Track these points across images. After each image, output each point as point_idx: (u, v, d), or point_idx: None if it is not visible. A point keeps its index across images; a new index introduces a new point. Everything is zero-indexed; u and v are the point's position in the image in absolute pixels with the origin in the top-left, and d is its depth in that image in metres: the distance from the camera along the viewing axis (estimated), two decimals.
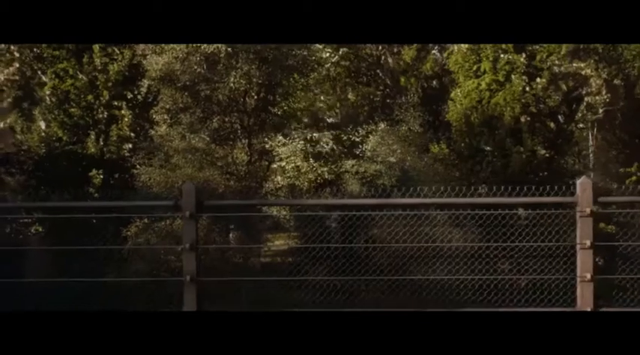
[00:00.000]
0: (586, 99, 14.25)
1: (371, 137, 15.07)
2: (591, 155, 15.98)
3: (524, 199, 7.63)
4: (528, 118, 12.53)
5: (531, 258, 8.06)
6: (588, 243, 7.20)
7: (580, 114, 13.98)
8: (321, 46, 15.89)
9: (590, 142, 15.46)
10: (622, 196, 8.64)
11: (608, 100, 14.77)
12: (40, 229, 13.44)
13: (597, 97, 14.76)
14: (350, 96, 16.22)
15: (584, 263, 7.32)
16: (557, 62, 12.90)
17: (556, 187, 7.78)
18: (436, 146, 13.50)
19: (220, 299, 9.72)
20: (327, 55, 16.18)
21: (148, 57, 15.11)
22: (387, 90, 16.25)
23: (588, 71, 14.79)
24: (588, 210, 7.17)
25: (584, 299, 7.38)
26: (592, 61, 14.79)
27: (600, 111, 14.80)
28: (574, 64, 14.37)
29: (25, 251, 12.98)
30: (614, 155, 15.49)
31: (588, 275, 7.27)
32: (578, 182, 7.30)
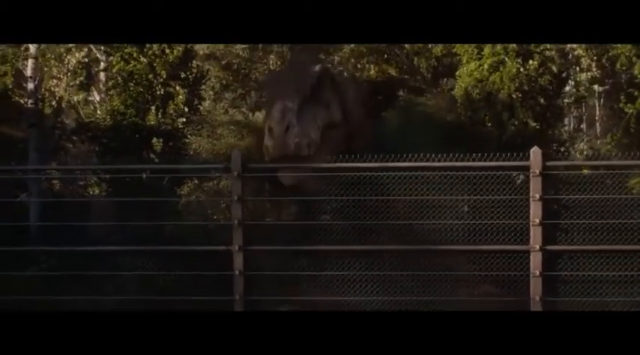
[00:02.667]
0: (575, 77, 16.28)
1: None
2: (583, 126, 18.09)
3: (486, 163, 9.80)
4: (520, 95, 14.63)
5: (493, 208, 10.14)
6: (537, 196, 9.48)
7: (568, 91, 16.05)
8: None
9: (578, 115, 17.52)
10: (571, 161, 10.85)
11: (596, 77, 16.70)
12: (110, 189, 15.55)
13: (585, 74, 16.73)
14: (371, 72, 18.15)
15: (534, 211, 9.58)
16: (548, 46, 14.91)
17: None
18: (446, 118, 15.63)
19: (263, 240, 11.15)
20: None
21: None
22: (405, 67, 18.16)
23: (580, 51, 16.78)
24: (537, 171, 9.42)
25: (535, 239, 9.65)
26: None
27: (587, 87, 16.77)
28: (567, 45, 16.36)
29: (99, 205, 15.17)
30: (599, 126, 17.59)
31: (537, 220, 9.54)
32: (531, 150, 9.53)
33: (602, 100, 17.63)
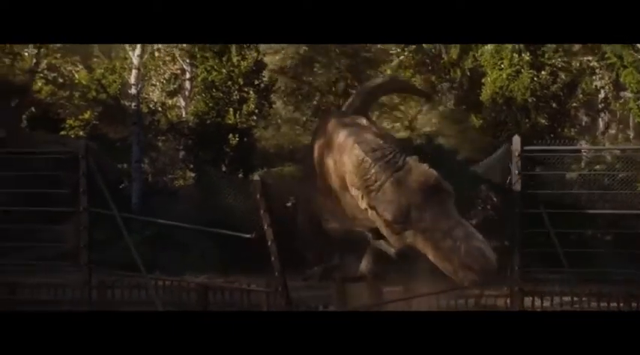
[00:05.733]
0: (582, 85, 19.10)
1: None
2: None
3: None
4: (534, 99, 17.59)
5: None
6: (517, 171, 12.35)
7: (577, 96, 18.92)
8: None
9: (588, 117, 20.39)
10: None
11: (604, 85, 19.51)
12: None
13: (598, 82, 19.53)
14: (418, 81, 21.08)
15: (515, 181, 12.34)
16: (558, 58, 17.84)
17: None
18: (474, 119, 18.65)
19: None
20: (399, 50, 21.24)
21: (267, 55, 20.09)
22: (447, 76, 21.06)
23: (595, 63, 19.59)
24: (517, 153, 12.32)
25: None
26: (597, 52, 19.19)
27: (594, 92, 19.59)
28: (580, 58, 19.20)
29: None
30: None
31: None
32: (513, 138, 12.42)
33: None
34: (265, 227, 10.49)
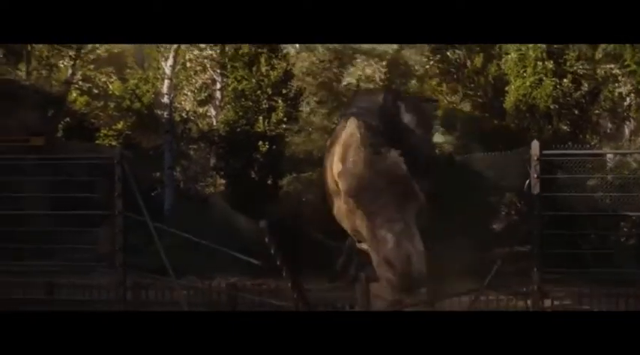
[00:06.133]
0: (605, 92, 19.36)
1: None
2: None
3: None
4: (556, 106, 17.90)
5: None
6: (535, 175, 12.70)
7: (599, 103, 19.17)
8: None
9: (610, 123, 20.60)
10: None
11: (627, 92, 19.76)
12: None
13: (621, 90, 19.78)
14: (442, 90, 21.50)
15: (534, 184, 12.72)
16: (580, 66, 18.15)
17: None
18: (497, 126, 19.00)
19: None
20: (425, 59, 21.69)
21: (295, 64, 20.60)
22: (472, 84, 21.43)
23: (618, 71, 19.84)
24: (535, 158, 12.67)
25: None
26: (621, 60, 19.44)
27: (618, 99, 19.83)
28: (603, 66, 19.46)
29: None
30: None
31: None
32: (532, 143, 12.76)
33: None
34: (278, 263, 10.78)
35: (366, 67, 22.15)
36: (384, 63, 22.53)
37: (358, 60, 21.32)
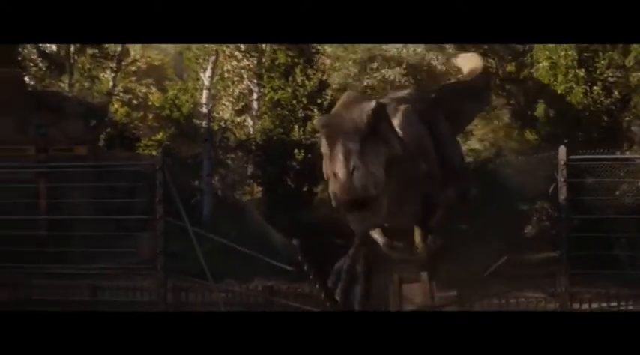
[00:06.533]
0: (636, 99, 19.50)
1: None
2: None
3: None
4: (587, 114, 18.17)
5: None
6: (562, 179, 12.98)
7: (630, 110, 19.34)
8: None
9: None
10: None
11: None
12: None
13: None
14: None
15: (560, 188, 12.98)
16: (610, 74, 18.39)
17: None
18: (529, 133, 19.29)
19: None
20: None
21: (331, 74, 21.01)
22: (504, 93, 21.72)
23: None
24: (562, 162, 12.95)
25: None
26: None
27: None
28: (634, 73, 19.60)
29: None
30: None
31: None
32: (559, 148, 13.03)
33: None
34: (311, 277, 11.22)
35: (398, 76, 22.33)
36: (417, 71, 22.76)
37: (397, 69, 21.41)
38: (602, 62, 18.37)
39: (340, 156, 9.68)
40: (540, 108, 18.67)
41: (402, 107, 11.46)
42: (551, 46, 18.40)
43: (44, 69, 22.30)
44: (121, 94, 23.55)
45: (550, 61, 18.61)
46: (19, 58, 20.81)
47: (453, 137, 13.28)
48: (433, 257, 12.12)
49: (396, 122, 10.98)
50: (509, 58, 20.69)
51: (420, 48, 21.13)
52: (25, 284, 12.91)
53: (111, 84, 21.99)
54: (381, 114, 10.30)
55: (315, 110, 19.14)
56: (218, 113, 20.70)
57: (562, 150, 12.79)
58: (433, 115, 12.38)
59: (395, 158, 10.31)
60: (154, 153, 20.51)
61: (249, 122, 21.72)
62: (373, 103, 10.22)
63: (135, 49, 24.33)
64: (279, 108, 19.33)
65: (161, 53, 27.23)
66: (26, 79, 20.82)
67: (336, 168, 9.71)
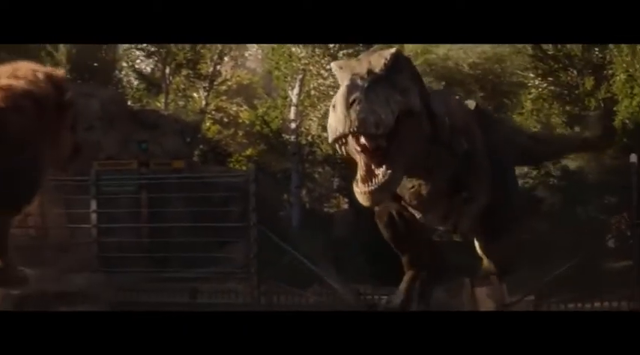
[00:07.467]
0: None
1: None
2: None
3: None
4: None
5: None
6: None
7: None
8: None
9: None
10: None
11: None
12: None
13: None
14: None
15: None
16: None
17: None
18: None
19: None
20: (537, 82, 22.50)
21: None
22: (582, 105, 22.05)
23: None
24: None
25: None
26: None
27: None
28: None
29: None
30: None
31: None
32: (630, 155, 13.40)
33: None
34: None
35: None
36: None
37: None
38: None
39: (343, 89, 8.12)
40: (618, 120, 19.06)
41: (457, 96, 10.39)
42: (629, 58, 18.83)
43: (142, 90, 23.77)
44: (213, 112, 24.70)
45: (627, 74, 18.99)
46: (117, 80, 22.25)
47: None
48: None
49: (439, 98, 9.32)
50: (590, 71, 21.06)
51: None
52: (135, 288, 13.73)
53: (203, 103, 23.16)
54: (402, 64, 8.49)
55: None
56: (305, 128, 21.45)
57: (633, 156, 13.20)
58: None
59: (413, 114, 8.11)
60: (244, 168, 21.44)
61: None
62: (394, 49, 8.71)
63: (226, 69, 25.47)
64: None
65: (250, 73, 28.33)
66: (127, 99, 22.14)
67: (335, 101, 8.17)
